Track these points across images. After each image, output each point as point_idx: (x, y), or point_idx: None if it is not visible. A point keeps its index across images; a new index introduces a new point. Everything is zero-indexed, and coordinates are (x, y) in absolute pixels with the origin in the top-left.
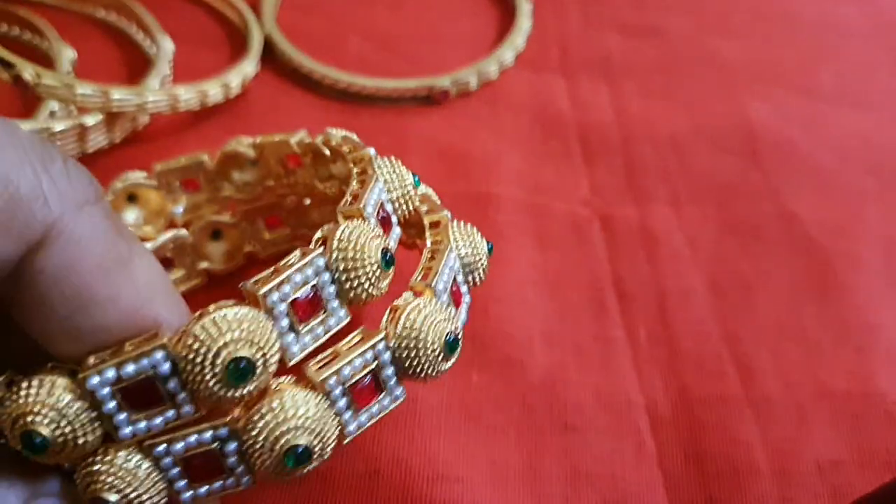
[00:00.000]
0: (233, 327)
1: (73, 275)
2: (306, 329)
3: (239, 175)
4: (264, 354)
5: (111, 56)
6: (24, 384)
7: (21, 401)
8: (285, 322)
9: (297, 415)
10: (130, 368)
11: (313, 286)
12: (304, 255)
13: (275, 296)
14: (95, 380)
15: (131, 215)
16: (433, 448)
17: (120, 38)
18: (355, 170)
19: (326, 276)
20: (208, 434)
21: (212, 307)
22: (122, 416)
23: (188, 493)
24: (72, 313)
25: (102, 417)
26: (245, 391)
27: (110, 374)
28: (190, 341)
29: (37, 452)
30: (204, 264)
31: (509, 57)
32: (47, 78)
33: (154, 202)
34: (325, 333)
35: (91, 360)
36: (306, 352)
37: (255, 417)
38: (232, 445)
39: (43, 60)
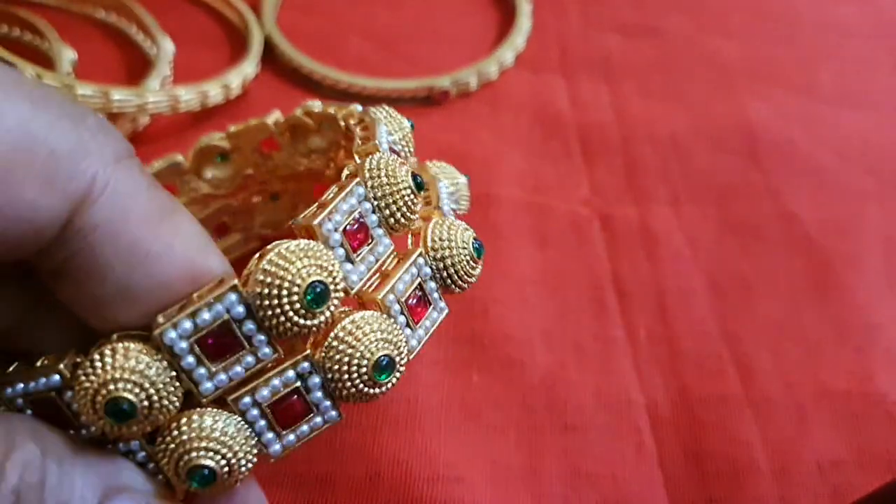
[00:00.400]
0: (299, 255)
1: (126, 227)
2: (359, 257)
3: (213, 171)
4: (333, 278)
5: (111, 57)
6: (98, 355)
7: (100, 371)
8: (341, 251)
9: (374, 329)
10: (206, 315)
11: (358, 215)
12: (341, 187)
13: (329, 224)
14: (172, 334)
15: None
16: (433, 448)
17: (120, 38)
18: (352, 121)
19: (367, 205)
20: (291, 373)
21: (269, 246)
22: (202, 370)
23: (277, 445)
24: (129, 270)
25: (182, 374)
26: (323, 318)
27: (187, 325)
28: (261, 278)
29: (124, 420)
30: (258, 229)
31: (509, 57)
32: (48, 78)
33: None
34: (376, 261)
35: (161, 318)
36: (364, 279)
37: (334, 342)
38: (315, 379)
39: (43, 61)
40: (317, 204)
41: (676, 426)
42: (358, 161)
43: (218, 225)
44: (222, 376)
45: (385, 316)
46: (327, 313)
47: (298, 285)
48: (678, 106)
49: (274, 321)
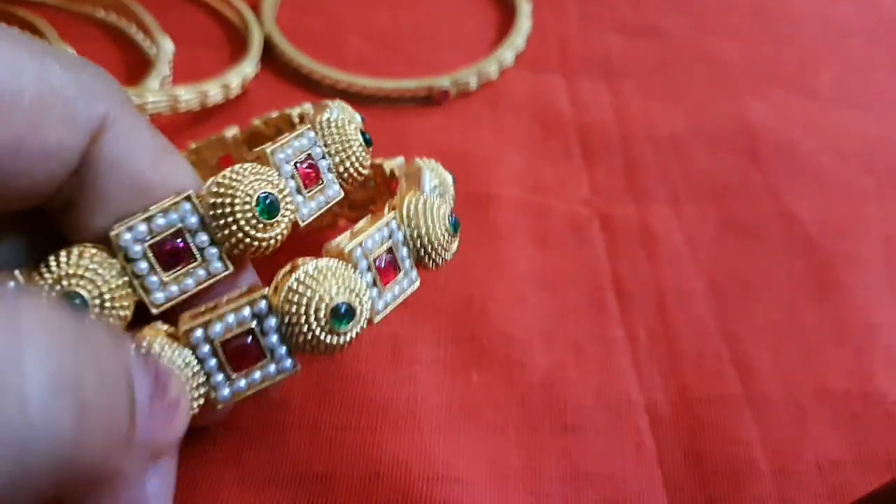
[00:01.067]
0: (251, 172)
1: (132, 160)
2: (310, 194)
3: None
4: (283, 194)
5: (111, 57)
6: (62, 253)
7: (55, 268)
8: (292, 183)
9: (336, 276)
10: (161, 221)
11: (308, 156)
12: (293, 131)
13: (280, 154)
14: (127, 236)
15: None
16: (433, 448)
17: (119, 38)
18: (308, 111)
19: (318, 150)
20: (246, 311)
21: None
22: (154, 278)
23: (226, 390)
24: (130, 201)
25: (135, 281)
26: (273, 234)
27: (141, 228)
28: (214, 189)
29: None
30: None
31: (509, 57)
32: None
33: None
34: (327, 202)
35: (118, 223)
36: (314, 216)
37: (294, 284)
38: (271, 321)
39: None
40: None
41: (676, 426)
42: (308, 121)
43: None
44: (174, 287)
45: (350, 267)
46: (277, 229)
47: (250, 195)
48: (678, 106)
49: (226, 231)
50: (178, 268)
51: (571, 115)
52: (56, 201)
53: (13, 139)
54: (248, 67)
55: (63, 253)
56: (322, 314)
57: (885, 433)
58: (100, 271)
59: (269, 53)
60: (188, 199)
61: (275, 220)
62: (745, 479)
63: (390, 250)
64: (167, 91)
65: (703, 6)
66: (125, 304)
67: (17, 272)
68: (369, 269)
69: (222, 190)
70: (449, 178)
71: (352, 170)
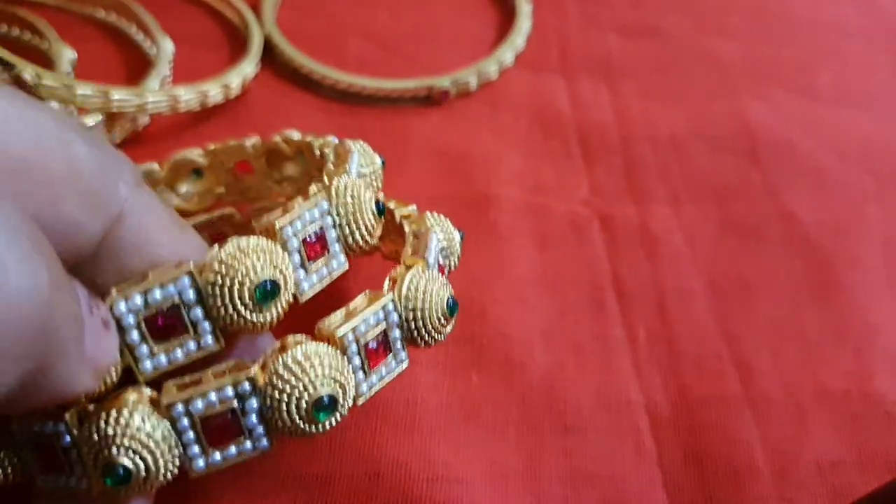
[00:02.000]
0: (256, 251)
1: (149, 244)
2: (313, 267)
3: (187, 186)
4: (286, 279)
5: (111, 57)
6: None
7: None
8: (297, 257)
9: (324, 364)
10: (157, 294)
11: (319, 227)
12: (306, 198)
13: (289, 229)
14: (122, 306)
15: None
16: (433, 449)
17: (120, 38)
18: (327, 150)
19: (329, 220)
20: (230, 390)
21: (228, 239)
22: (144, 348)
23: (201, 461)
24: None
25: (124, 348)
26: (269, 317)
27: (137, 300)
28: (216, 268)
29: None
30: None
31: (509, 57)
32: (48, 78)
33: None
34: (329, 275)
35: (114, 290)
36: (314, 290)
37: (281, 370)
38: (253, 402)
39: (43, 61)
40: (281, 208)
41: (676, 426)
42: (319, 186)
43: (217, 234)
44: (162, 358)
45: (339, 353)
46: (274, 313)
47: (251, 280)
48: (678, 106)
49: (222, 311)
50: (170, 339)
51: (571, 116)
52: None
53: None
54: (249, 67)
55: None
56: (304, 405)
57: (885, 433)
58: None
59: (269, 54)
60: (189, 273)
61: (273, 303)
62: (745, 480)
63: (385, 332)
64: (167, 91)
65: (703, 6)
66: (112, 370)
67: None
68: (359, 353)
69: (224, 270)
70: (457, 237)
71: (361, 242)
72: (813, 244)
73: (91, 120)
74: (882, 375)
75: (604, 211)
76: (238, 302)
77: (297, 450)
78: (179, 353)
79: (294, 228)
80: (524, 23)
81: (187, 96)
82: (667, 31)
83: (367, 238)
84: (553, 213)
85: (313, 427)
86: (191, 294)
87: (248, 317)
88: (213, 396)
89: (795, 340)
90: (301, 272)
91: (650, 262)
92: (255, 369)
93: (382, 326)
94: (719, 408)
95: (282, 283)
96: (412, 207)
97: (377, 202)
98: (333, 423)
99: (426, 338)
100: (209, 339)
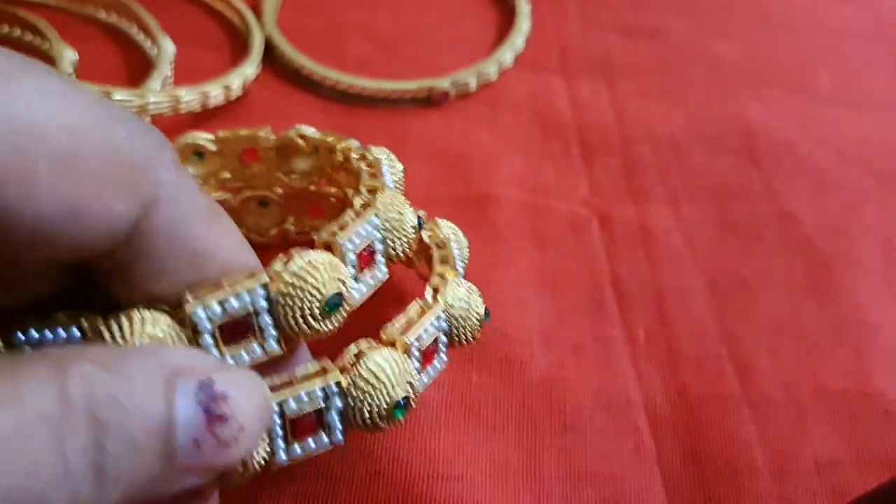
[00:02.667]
0: (325, 266)
1: (186, 230)
2: (363, 279)
3: (189, 168)
4: (348, 291)
5: (112, 58)
6: (123, 318)
7: (120, 334)
8: (352, 270)
9: (400, 370)
10: (235, 304)
11: (370, 242)
12: (359, 214)
13: (348, 244)
14: (201, 313)
15: None
16: (433, 447)
17: (121, 39)
18: (353, 154)
19: (377, 235)
20: (319, 391)
21: (295, 251)
22: (215, 352)
23: (283, 455)
24: (185, 270)
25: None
26: (332, 326)
27: (216, 308)
28: (289, 279)
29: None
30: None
31: (509, 58)
32: None
33: None
34: (374, 285)
35: (190, 296)
36: (364, 298)
37: (364, 373)
38: (338, 402)
39: (44, 62)
40: (337, 223)
41: (675, 426)
42: (365, 194)
43: None
44: (228, 359)
45: (406, 357)
46: (336, 322)
47: (322, 293)
48: (677, 106)
49: (292, 320)
50: (237, 342)
51: (571, 116)
52: (101, 267)
53: (65, 206)
54: (249, 69)
55: (136, 317)
56: (385, 405)
57: (883, 433)
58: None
59: (270, 54)
60: (265, 285)
61: (337, 313)
62: (744, 479)
63: (436, 338)
64: (168, 92)
65: (703, 7)
66: None
67: (83, 320)
68: (419, 358)
69: (297, 283)
70: (466, 243)
71: (401, 254)
72: (812, 244)
73: None
74: (881, 375)
75: (603, 211)
76: (308, 314)
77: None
78: (245, 356)
79: (353, 244)
80: (524, 23)
81: (188, 97)
82: (666, 31)
83: (408, 251)
84: (553, 213)
85: (388, 424)
86: (263, 304)
87: (316, 326)
88: (304, 397)
89: (794, 340)
90: (353, 283)
91: (649, 262)
92: (337, 370)
93: (436, 333)
94: (718, 407)
95: (346, 294)
96: (422, 213)
97: (417, 217)
98: (402, 421)
99: (465, 341)
100: (274, 344)
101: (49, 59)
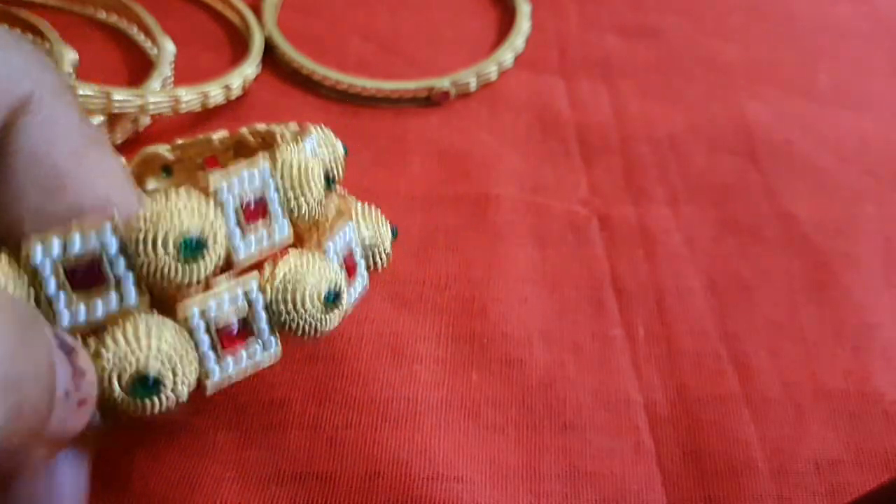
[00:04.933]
0: (186, 206)
1: (49, 154)
2: (251, 228)
3: (155, 184)
4: (215, 236)
5: (112, 58)
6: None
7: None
8: (233, 217)
9: (318, 266)
10: (77, 245)
11: (262, 194)
12: (250, 161)
13: (224, 189)
14: (39, 251)
15: None
16: (433, 447)
17: (121, 39)
18: (288, 133)
19: (271, 182)
20: (240, 293)
21: (158, 192)
22: (62, 300)
23: (217, 369)
24: (45, 197)
25: (41, 300)
26: (196, 276)
27: (56, 249)
28: (144, 213)
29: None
30: None
31: (509, 58)
32: None
33: None
34: (269, 238)
35: (34, 237)
36: (252, 254)
37: (282, 270)
38: (261, 301)
39: None
40: (222, 168)
41: (675, 425)
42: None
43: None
44: (81, 311)
45: (326, 259)
46: (201, 268)
47: (176, 232)
48: (677, 107)
49: (145, 263)
50: (91, 290)
51: (570, 116)
52: None
53: None
54: (250, 68)
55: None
56: (313, 300)
57: (883, 432)
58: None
59: (270, 54)
60: (113, 223)
61: (200, 258)
62: (744, 479)
63: (352, 253)
64: (168, 92)
65: (702, 7)
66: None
67: None
68: (340, 264)
69: (149, 220)
70: (387, 234)
71: (305, 210)
72: (811, 244)
73: (93, 122)
74: (880, 374)
75: (602, 211)
76: (162, 253)
77: (298, 449)
78: (101, 306)
79: (231, 189)
80: (524, 23)
81: (188, 97)
82: (666, 32)
83: (314, 206)
84: (552, 213)
85: (322, 324)
86: (114, 247)
87: (174, 269)
88: (226, 301)
89: (794, 340)
90: (237, 233)
91: (649, 262)
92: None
93: (359, 249)
94: (718, 407)
95: (210, 239)
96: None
97: (327, 175)
98: (334, 323)
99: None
100: (132, 292)
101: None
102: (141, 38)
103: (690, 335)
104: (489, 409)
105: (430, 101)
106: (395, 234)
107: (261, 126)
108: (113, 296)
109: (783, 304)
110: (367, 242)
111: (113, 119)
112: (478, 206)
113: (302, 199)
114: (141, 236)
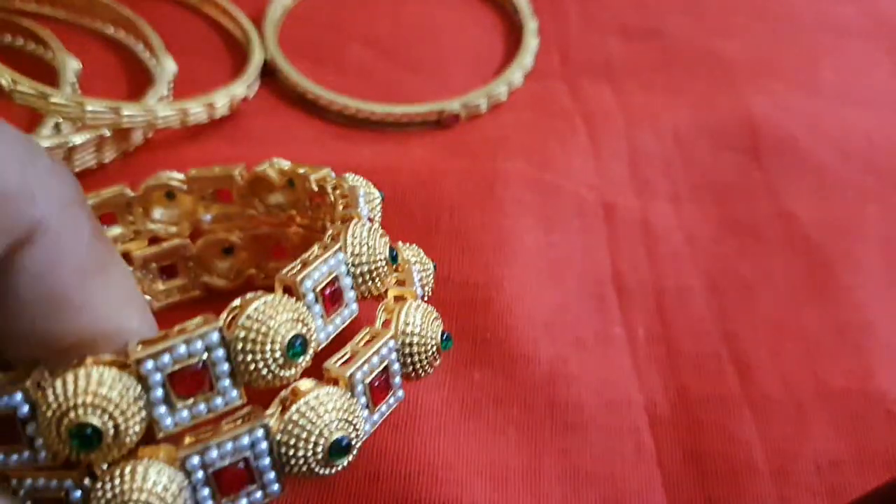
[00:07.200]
0: (283, 309)
1: (52, 276)
2: (330, 319)
3: (161, 210)
4: (312, 333)
5: (114, 68)
6: (69, 376)
7: (68, 393)
8: (317, 308)
9: (337, 408)
10: (182, 350)
11: (335, 278)
12: (323, 249)
13: (308, 283)
14: (150, 364)
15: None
16: (433, 448)
17: (124, 52)
18: (328, 185)
19: (343, 269)
20: (245, 439)
21: (249, 296)
22: (164, 407)
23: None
24: (44, 316)
25: (148, 406)
26: (296, 371)
27: (165, 358)
28: (246, 324)
29: (87, 447)
30: (206, 278)
31: (518, 77)
32: (56, 96)
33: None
34: (342, 324)
35: (137, 345)
36: (331, 338)
37: (295, 416)
38: (263, 445)
39: (47, 71)
40: (300, 261)
41: (675, 426)
42: (338, 225)
43: (167, 266)
44: (185, 414)
45: (349, 394)
46: (301, 366)
47: (282, 336)
48: (681, 104)
49: (252, 367)
50: (194, 395)
51: (575, 108)
52: None
53: None
54: (248, 82)
55: (81, 374)
56: (320, 450)
57: (884, 432)
58: (115, 399)
59: (272, 73)
60: (219, 329)
61: (302, 358)
62: (744, 479)
63: (385, 368)
64: (177, 105)
65: (705, 7)
66: (136, 429)
67: (27, 384)
68: (364, 392)
69: (255, 326)
70: (431, 268)
71: (374, 290)
72: (813, 243)
73: (79, 138)
74: (881, 374)
75: (608, 199)
76: (269, 358)
77: None
78: (203, 408)
79: (313, 281)
80: (531, 41)
81: (196, 109)
82: (669, 32)
83: (379, 286)
84: (560, 193)
85: (328, 469)
86: (220, 351)
87: (277, 373)
88: (229, 445)
89: (795, 339)
90: (319, 322)
91: (650, 260)
92: (266, 415)
93: (385, 364)
94: (718, 407)
95: (309, 337)
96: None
97: (391, 249)
98: (346, 465)
99: (420, 372)
100: (234, 394)
101: (52, 68)
102: (146, 55)
103: (691, 335)
104: (490, 409)
105: (440, 124)
106: (449, 342)
107: (284, 163)
108: (218, 400)
109: (784, 304)
110: (420, 277)
111: (121, 133)
112: (484, 181)
113: (370, 282)
114: (249, 340)
